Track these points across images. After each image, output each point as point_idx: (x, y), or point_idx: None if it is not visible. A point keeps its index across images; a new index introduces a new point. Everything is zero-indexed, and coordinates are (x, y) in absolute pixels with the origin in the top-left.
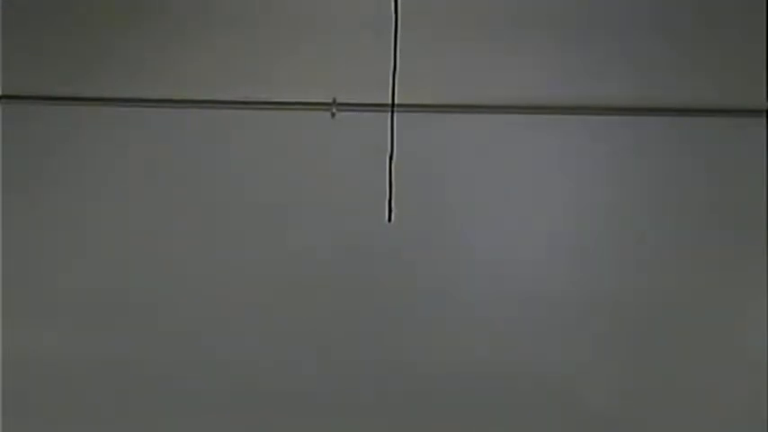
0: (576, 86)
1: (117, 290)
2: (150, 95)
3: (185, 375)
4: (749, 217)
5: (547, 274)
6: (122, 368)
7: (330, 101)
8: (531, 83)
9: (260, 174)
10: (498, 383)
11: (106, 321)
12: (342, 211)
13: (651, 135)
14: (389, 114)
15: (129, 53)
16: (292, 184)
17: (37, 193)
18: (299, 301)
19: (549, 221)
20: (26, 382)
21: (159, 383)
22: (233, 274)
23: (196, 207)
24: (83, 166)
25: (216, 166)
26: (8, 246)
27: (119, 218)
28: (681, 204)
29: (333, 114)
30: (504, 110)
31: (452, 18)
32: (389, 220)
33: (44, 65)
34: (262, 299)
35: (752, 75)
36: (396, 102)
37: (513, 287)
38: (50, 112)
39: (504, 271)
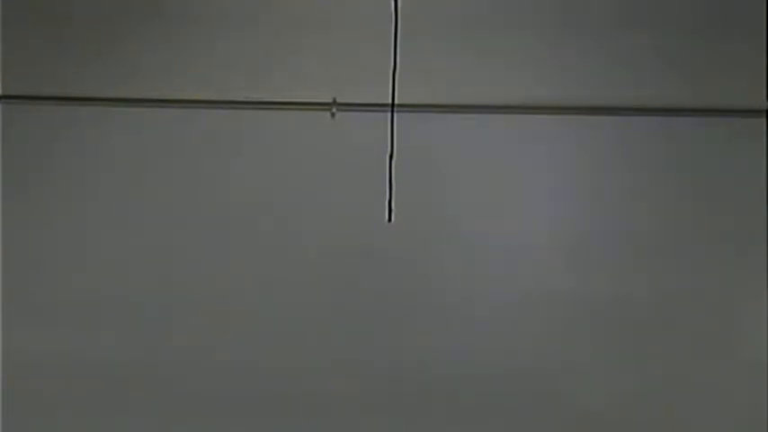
0: (576, 87)
1: (117, 290)
2: (150, 96)
3: (185, 375)
4: (749, 217)
5: (546, 274)
6: (122, 368)
7: (330, 101)
8: (530, 83)
9: (260, 174)
10: (498, 383)
11: (106, 321)
12: (342, 211)
13: (651, 135)
14: (389, 114)
15: (128, 53)
16: (292, 185)
17: (37, 193)
18: (299, 301)
19: (548, 221)
20: (26, 382)
21: (160, 384)
22: (232, 273)
23: (196, 207)
24: (83, 166)
25: (216, 166)
26: (8, 246)
27: (119, 218)
28: (681, 204)
29: (333, 114)
30: (503, 110)
31: (452, 18)
32: (389, 220)
33: (44, 65)
34: (262, 298)
35: (752, 75)
36: (396, 102)
37: (513, 287)
38: (50, 112)
39: (504, 271)
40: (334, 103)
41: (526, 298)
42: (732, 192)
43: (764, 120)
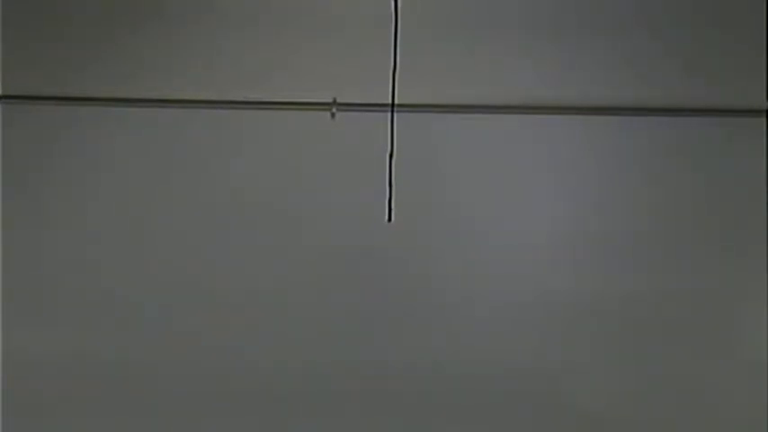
0: (576, 87)
1: (117, 290)
2: (150, 96)
3: (185, 375)
4: (749, 217)
5: (547, 275)
6: (122, 368)
7: (330, 101)
8: (530, 83)
9: (260, 174)
10: (498, 383)
11: (106, 321)
12: (342, 211)
13: (650, 135)
14: (389, 114)
15: (129, 53)
16: (292, 184)
17: (37, 193)
18: (299, 300)
19: (548, 221)
20: (26, 382)
21: (160, 384)
22: (233, 273)
23: (196, 207)
24: (83, 166)
25: (216, 166)
26: (8, 246)
27: (119, 218)
28: (680, 204)
29: (333, 114)
30: (504, 110)
31: (452, 18)
32: (389, 220)
33: (44, 65)
34: (262, 299)
35: (752, 75)
36: (396, 102)
37: (513, 287)
38: (50, 112)
39: (504, 271)
40: (334, 103)
41: (526, 298)
42: (732, 192)
43: (764, 120)
